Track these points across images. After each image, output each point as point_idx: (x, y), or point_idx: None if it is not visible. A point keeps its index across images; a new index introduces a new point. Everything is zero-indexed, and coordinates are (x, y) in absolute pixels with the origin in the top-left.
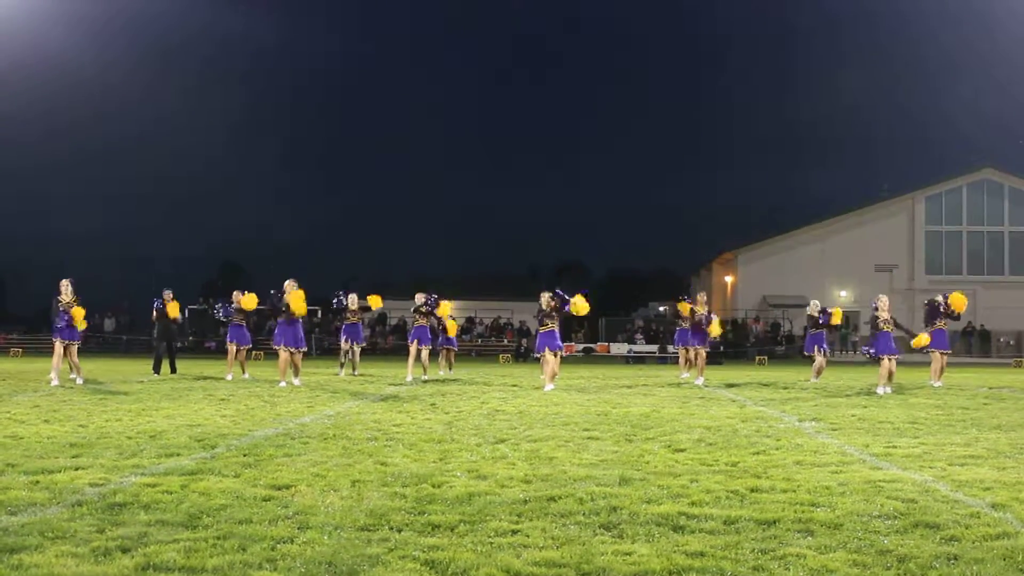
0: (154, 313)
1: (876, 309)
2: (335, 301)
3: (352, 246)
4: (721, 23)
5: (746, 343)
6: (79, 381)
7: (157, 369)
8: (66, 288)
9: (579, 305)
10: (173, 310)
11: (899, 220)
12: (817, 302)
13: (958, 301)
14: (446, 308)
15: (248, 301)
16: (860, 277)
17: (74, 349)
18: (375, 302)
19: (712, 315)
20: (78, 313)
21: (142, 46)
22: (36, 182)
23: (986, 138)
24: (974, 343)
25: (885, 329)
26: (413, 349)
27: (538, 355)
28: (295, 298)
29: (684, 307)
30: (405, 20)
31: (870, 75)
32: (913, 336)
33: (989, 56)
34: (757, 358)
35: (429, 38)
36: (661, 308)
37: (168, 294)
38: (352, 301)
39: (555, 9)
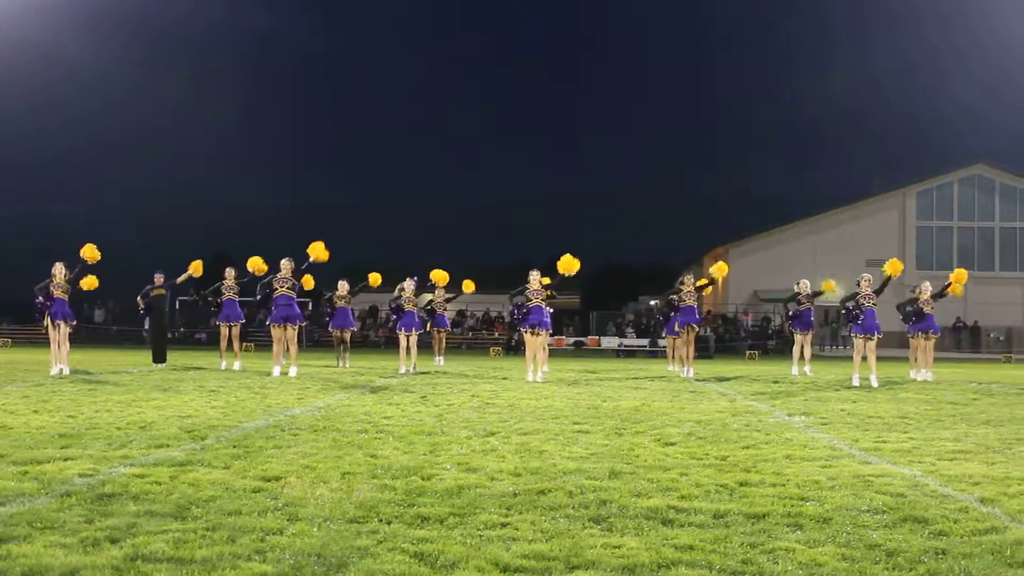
0: (140, 302)
1: (859, 286)
2: (324, 301)
3: (344, 238)
4: (717, 22)
5: (737, 337)
6: (66, 371)
7: (157, 359)
8: (60, 271)
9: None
10: (158, 292)
11: (890, 215)
12: (807, 281)
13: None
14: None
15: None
16: (851, 272)
17: (66, 333)
18: (375, 279)
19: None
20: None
21: (138, 38)
22: (28, 173)
23: (978, 134)
24: (964, 338)
25: (869, 306)
26: (403, 340)
27: (525, 329)
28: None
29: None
30: (405, 14)
31: (862, 72)
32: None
33: (981, 53)
34: (748, 353)
35: (429, 33)
36: (652, 302)
37: (159, 277)
38: (342, 288)
39: (555, 6)
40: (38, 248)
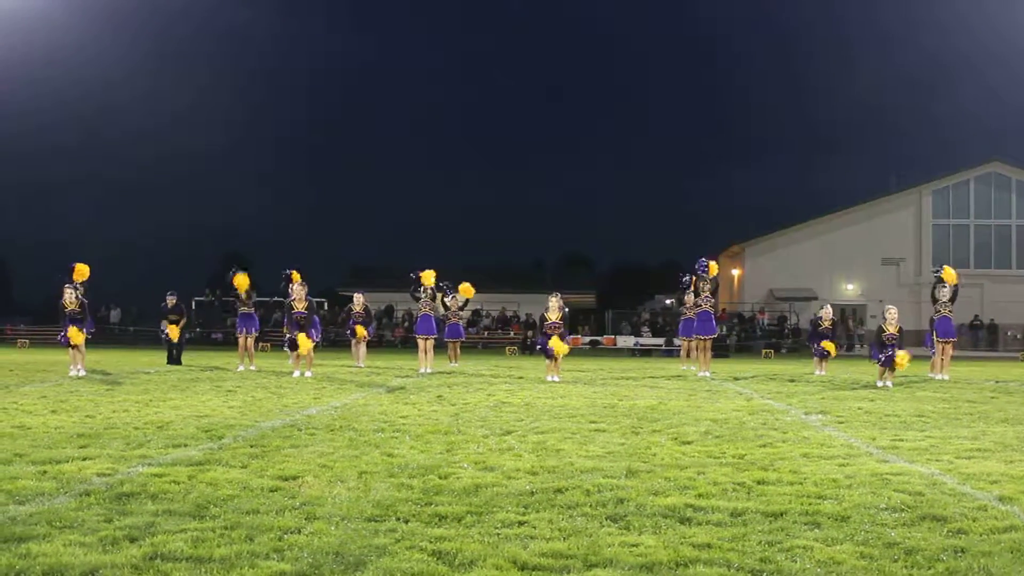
0: (163, 325)
1: (885, 321)
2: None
3: (359, 239)
4: (732, 21)
5: (753, 336)
6: (82, 372)
7: (172, 360)
8: (69, 298)
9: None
10: (173, 333)
11: (906, 213)
12: (830, 308)
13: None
14: (429, 277)
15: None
16: (867, 270)
17: (83, 340)
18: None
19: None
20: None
21: (146, 41)
22: (42, 173)
23: (993, 132)
24: (981, 337)
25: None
26: (421, 342)
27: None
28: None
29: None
30: (408, 17)
31: (879, 70)
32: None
33: (997, 51)
34: (764, 351)
35: (435, 37)
36: (668, 301)
37: (171, 299)
38: (358, 303)
39: (560, 6)
40: (49, 251)
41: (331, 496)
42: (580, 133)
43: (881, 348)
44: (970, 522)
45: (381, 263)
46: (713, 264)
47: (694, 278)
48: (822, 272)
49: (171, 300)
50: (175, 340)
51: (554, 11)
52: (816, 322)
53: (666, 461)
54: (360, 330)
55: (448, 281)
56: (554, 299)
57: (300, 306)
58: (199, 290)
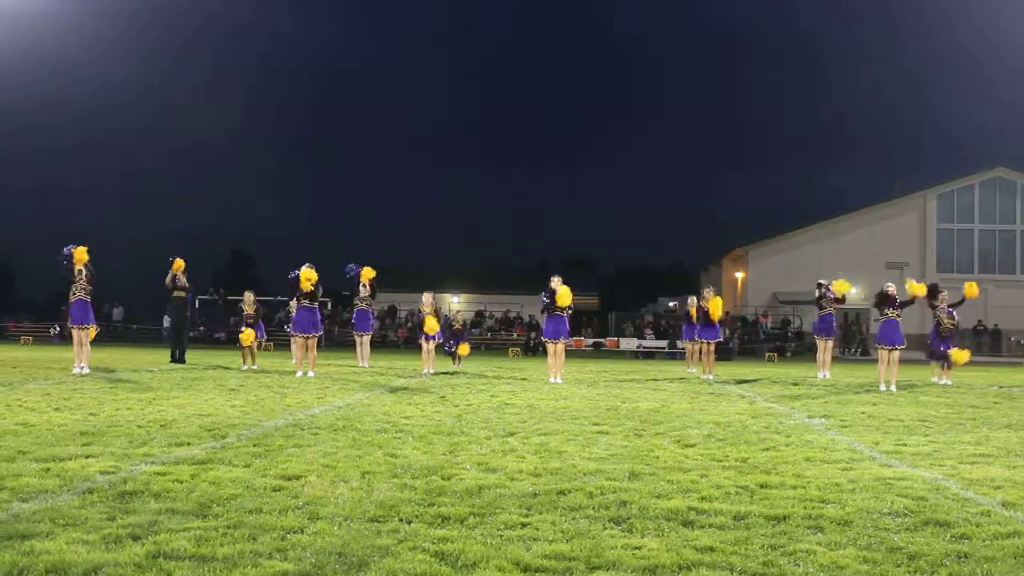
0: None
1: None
2: (349, 269)
3: (361, 239)
4: (737, 23)
5: (756, 339)
6: (86, 370)
7: (174, 358)
8: (80, 274)
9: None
10: (178, 265)
11: (911, 218)
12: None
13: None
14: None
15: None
16: (871, 274)
17: (86, 335)
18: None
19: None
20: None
21: (152, 40)
22: (46, 171)
23: (999, 136)
24: (985, 342)
25: (892, 316)
26: (424, 345)
27: (545, 340)
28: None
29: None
30: (408, 17)
31: (884, 74)
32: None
33: (1002, 55)
34: (767, 355)
35: (435, 37)
36: (671, 303)
37: (179, 264)
38: (363, 291)
39: (563, 7)
40: (53, 248)
41: (334, 496)
42: (584, 134)
43: (885, 303)
44: (973, 527)
45: (382, 263)
46: (716, 300)
47: (697, 301)
48: (826, 275)
49: (180, 266)
50: (174, 272)
51: (556, 12)
52: (820, 292)
53: (669, 464)
54: (367, 271)
55: (452, 289)
56: (556, 279)
57: (307, 287)
58: (203, 289)
